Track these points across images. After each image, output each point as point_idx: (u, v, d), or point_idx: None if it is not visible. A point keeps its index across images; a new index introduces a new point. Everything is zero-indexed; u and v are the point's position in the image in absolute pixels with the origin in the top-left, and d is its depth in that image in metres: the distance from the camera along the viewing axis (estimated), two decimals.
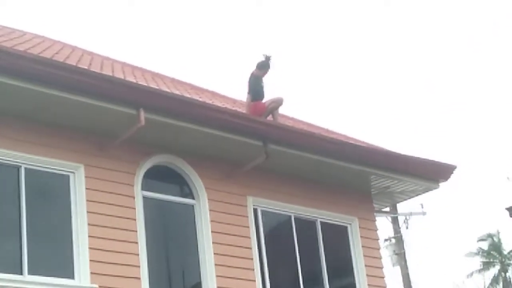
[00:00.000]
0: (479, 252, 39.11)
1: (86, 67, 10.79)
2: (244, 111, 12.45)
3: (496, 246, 39.08)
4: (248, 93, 12.38)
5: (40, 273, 9.82)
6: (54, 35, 16.15)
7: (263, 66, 12.50)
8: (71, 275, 10.04)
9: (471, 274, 35.84)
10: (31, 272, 9.65)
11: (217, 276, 11.03)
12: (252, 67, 12.92)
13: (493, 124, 58.90)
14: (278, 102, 12.34)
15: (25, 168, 9.78)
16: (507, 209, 13.36)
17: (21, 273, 9.62)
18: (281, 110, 12.86)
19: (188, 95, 12.15)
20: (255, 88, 12.47)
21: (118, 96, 9.96)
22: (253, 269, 11.50)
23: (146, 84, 11.55)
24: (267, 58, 12.49)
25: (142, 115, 9.91)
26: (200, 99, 12.16)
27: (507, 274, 38.41)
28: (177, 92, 11.96)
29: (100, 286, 9.96)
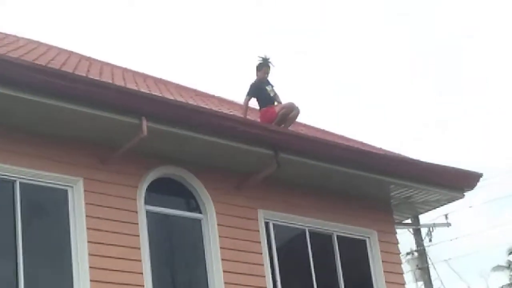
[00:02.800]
0: (509, 265, 39.37)
1: (84, 74, 10.75)
2: (254, 119, 12.41)
3: None
4: (247, 95, 12.49)
5: None
6: (50, 39, 16.29)
7: (262, 66, 12.62)
8: None
9: None
10: None
11: None
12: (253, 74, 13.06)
13: None
14: (289, 108, 12.29)
15: (20, 183, 9.75)
16: None
17: None
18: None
19: (193, 102, 12.20)
20: (260, 94, 12.64)
21: (119, 105, 9.91)
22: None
23: (148, 91, 11.54)
24: (264, 59, 12.66)
25: (145, 124, 9.93)
26: (206, 106, 12.15)
27: None
28: (181, 99, 12.02)
29: None
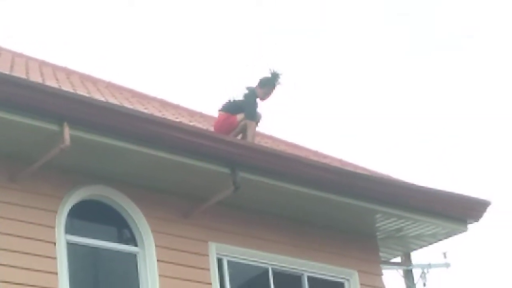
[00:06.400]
0: None
1: None
2: (206, 128, 12.44)
3: None
4: (245, 114, 12.44)
5: None
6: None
7: (270, 83, 12.79)
8: None
9: None
10: None
11: None
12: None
13: None
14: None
15: None
16: None
17: None
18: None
19: (129, 105, 12.16)
20: (255, 109, 12.68)
21: (34, 107, 9.81)
22: None
23: (72, 91, 11.40)
24: (276, 75, 12.78)
25: (67, 131, 9.79)
26: (145, 110, 12.15)
27: None
28: (114, 101, 11.98)
29: None
